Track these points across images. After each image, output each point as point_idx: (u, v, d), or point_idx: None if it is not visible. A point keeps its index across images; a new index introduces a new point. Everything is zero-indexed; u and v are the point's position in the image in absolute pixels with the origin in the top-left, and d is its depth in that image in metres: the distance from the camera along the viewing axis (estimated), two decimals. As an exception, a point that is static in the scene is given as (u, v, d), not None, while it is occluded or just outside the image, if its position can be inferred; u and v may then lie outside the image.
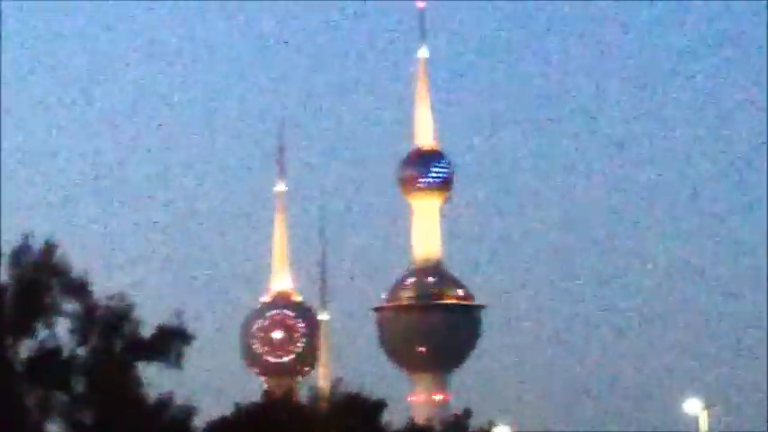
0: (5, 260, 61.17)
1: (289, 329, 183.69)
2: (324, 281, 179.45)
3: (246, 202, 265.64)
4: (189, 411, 52.91)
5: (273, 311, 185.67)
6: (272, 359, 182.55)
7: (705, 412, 68.76)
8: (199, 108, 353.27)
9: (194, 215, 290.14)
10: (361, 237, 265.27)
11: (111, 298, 61.22)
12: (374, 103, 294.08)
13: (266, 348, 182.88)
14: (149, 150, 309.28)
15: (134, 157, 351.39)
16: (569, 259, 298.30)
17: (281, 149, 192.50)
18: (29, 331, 59.43)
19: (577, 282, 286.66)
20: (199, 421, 55.47)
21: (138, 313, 51.96)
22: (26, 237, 60.64)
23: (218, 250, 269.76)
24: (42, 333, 60.51)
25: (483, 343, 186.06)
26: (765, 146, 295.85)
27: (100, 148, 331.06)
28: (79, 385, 51.39)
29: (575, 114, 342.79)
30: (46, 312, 59.67)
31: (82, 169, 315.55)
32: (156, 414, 56.39)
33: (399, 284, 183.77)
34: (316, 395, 79.42)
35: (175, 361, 62.59)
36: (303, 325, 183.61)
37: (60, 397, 55.24)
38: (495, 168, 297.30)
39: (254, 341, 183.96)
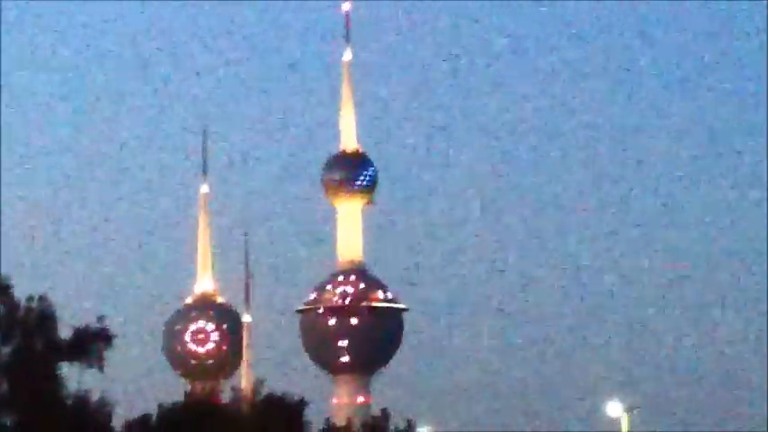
0: None
1: (211, 331, 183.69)
2: (247, 283, 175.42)
3: (169, 204, 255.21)
4: (108, 410, 56.84)
5: (196, 313, 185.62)
6: (194, 361, 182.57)
7: (626, 414, 69.27)
8: (120, 107, 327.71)
9: (116, 215, 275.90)
10: (284, 239, 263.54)
11: (31, 299, 54.19)
12: (299, 105, 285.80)
13: (189, 350, 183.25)
14: (68, 149, 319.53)
15: (53, 153, 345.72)
16: (493, 260, 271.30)
17: (203, 150, 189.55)
18: None
19: (500, 283, 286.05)
20: (120, 420, 60.19)
21: (59, 314, 52.48)
22: None
23: (140, 251, 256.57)
24: None
25: (405, 346, 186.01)
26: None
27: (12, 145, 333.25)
28: (1, 386, 53.99)
29: (503, 112, 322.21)
30: None
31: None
32: (76, 414, 55.91)
33: (323, 287, 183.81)
34: (238, 396, 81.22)
35: (97, 362, 55.37)
36: (226, 327, 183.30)
37: None
38: (419, 171, 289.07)
39: (177, 343, 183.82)
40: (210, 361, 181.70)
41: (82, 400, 59.34)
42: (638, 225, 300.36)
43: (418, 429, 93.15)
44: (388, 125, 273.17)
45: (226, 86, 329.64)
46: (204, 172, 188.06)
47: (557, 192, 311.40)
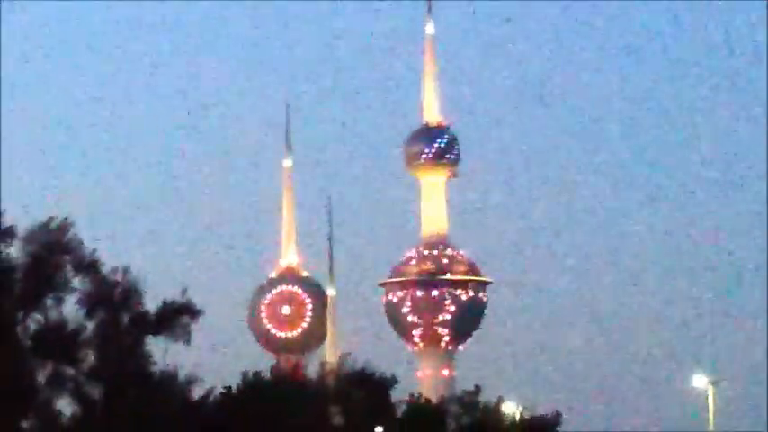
0: (21, 239, 61.33)
1: (296, 304, 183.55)
2: (331, 256, 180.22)
3: (254, 178, 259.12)
4: (193, 383, 59.48)
5: (280, 286, 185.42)
6: (279, 334, 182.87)
7: (712, 387, 72.10)
8: (205, 84, 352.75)
9: (202, 190, 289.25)
10: (368, 213, 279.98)
11: (118, 273, 55.42)
12: (382, 79, 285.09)
13: (273, 323, 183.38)
14: (157, 126, 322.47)
15: (143, 131, 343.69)
16: (577, 236, 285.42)
17: (287, 125, 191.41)
18: (38, 307, 54.22)
19: (585, 258, 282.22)
20: (205, 393, 63.61)
21: (145, 289, 53.98)
22: (48, 219, 61.90)
23: (225, 226, 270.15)
24: (52, 309, 54.51)
25: (489, 319, 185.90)
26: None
27: (108, 124, 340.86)
28: (88, 359, 55.08)
29: (580, 91, 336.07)
30: (56, 288, 54.09)
31: (92, 144, 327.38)
32: (162, 387, 57.82)
33: (407, 259, 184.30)
34: (323, 371, 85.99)
35: (182, 335, 57.14)
36: (310, 300, 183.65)
37: (69, 371, 55.20)
38: (503, 144, 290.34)
39: (262, 316, 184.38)
40: (295, 334, 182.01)
41: (168, 373, 60.41)
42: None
43: (505, 404, 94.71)
44: (471, 98, 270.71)
45: (309, 61, 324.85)
46: (288, 147, 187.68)
47: (643, 161, 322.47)
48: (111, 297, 58.90)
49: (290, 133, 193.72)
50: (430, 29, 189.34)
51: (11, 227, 64.07)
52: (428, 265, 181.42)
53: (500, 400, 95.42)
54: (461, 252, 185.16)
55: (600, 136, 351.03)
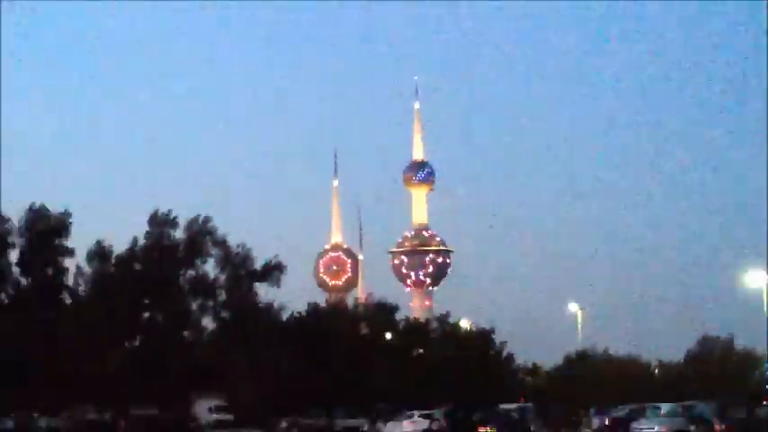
0: (182, 227, 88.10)
1: (340, 264, 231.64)
2: (361, 236, 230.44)
3: (311, 192, 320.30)
4: (282, 310, 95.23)
5: (332, 253, 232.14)
6: (330, 282, 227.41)
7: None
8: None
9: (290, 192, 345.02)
10: (382, 211, 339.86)
11: (239, 247, 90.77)
12: (385, 133, 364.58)
13: (327, 275, 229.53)
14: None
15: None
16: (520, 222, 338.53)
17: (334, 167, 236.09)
18: (192, 266, 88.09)
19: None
20: (289, 317, 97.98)
21: (254, 254, 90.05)
22: (196, 215, 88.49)
23: (306, 219, 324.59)
24: (200, 268, 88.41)
25: (452, 271, 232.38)
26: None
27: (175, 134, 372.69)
28: (221, 296, 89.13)
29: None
30: (202, 255, 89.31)
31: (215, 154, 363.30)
32: (265, 312, 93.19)
33: (404, 238, 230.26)
34: (356, 302, 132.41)
35: (276, 282, 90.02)
36: (349, 261, 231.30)
37: (209, 303, 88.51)
38: (460, 171, 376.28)
39: (321, 271, 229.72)
40: (339, 282, 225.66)
41: (268, 304, 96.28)
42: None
43: (462, 321, 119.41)
44: (444, 143, 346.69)
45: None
46: (335, 171, 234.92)
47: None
48: (235, 260, 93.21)
49: (338, 173, 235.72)
50: (417, 105, 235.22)
51: (175, 217, 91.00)
52: (416, 241, 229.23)
53: (459, 320, 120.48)
54: (435, 233, 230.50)
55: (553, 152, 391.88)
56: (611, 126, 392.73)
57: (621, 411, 67.94)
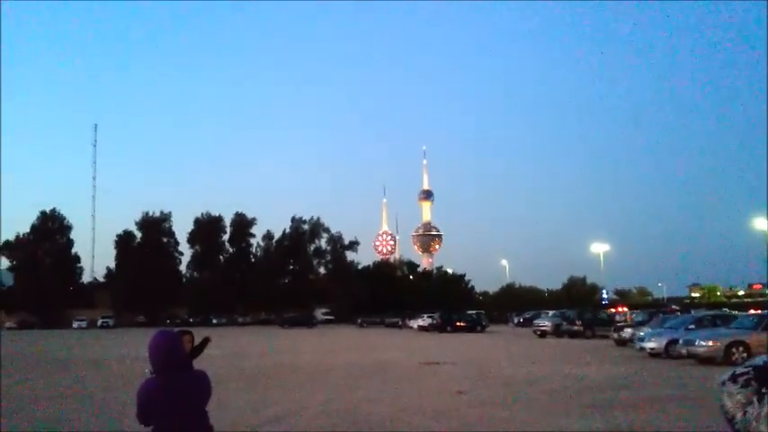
0: (308, 222, 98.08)
1: (387, 241, 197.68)
2: (396, 226, 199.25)
3: (369, 201, 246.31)
4: (358, 264, 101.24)
5: (383, 236, 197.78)
6: (383, 250, 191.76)
7: None
8: None
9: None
10: (406, 216, 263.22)
11: (337, 234, 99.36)
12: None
13: (380, 244, 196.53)
14: None
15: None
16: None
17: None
18: (313, 242, 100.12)
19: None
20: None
21: (344, 235, 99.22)
22: (301, 216, 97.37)
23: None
24: (318, 242, 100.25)
25: (443, 242, 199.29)
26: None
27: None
28: (328, 258, 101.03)
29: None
30: (319, 236, 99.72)
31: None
32: (350, 265, 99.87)
33: (417, 228, 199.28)
34: (396, 262, 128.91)
35: (355, 250, 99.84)
36: (391, 240, 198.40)
37: (322, 261, 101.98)
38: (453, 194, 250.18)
39: (378, 245, 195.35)
40: (387, 251, 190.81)
41: (352, 262, 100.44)
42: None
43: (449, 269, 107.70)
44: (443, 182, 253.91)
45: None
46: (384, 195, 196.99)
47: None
48: (334, 238, 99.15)
49: (386, 194, 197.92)
50: (425, 161, 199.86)
51: (302, 217, 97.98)
52: (423, 230, 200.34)
53: (447, 269, 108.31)
54: (435, 226, 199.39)
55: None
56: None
57: (528, 314, 68.68)
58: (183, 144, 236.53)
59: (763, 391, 0.71)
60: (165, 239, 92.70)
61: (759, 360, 0.78)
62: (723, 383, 0.79)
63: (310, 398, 13.66)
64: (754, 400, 0.71)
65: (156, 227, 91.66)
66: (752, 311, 30.12)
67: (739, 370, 0.79)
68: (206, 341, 3.98)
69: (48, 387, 16.48)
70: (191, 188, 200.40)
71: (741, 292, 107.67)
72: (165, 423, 3.74)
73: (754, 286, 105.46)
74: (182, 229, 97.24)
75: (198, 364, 4.61)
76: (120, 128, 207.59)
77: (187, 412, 3.79)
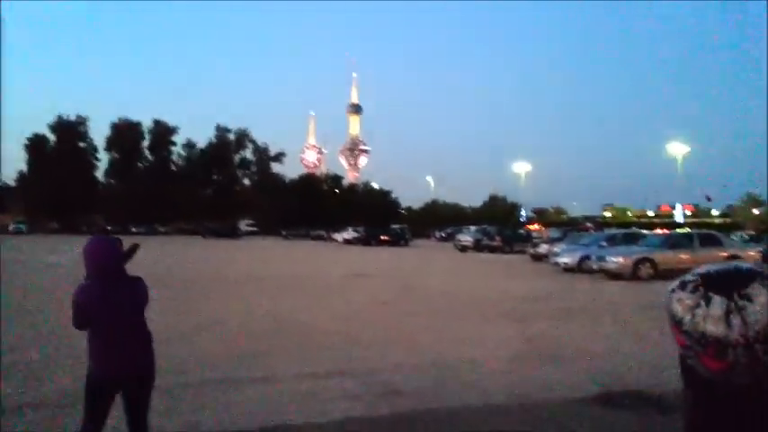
0: (234, 132, 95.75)
1: (314, 154, 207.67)
2: (323, 140, 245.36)
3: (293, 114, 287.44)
4: (283, 177, 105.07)
5: (309, 149, 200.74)
6: (309, 163, 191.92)
7: None
8: None
9: None
10: (334, 128, 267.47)
11: (262, 143, 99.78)
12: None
13: (307, 160, 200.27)
14: None
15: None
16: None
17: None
18: (239, 153, 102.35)
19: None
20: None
21: (270, 147, 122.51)
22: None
23: None
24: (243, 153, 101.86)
25: (370, 152, 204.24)
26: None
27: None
28: (253, 169, 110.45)
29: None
30: (244, 147, 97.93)
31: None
32: (275, 177, 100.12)
33: (345, 142, 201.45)
34: (322, 175, 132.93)
35: (281, 162, 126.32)
36: (318, 153, 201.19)
37: (247, 172, 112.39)
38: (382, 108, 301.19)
39: (304, 158, 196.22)
40: (313, 164, 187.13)
41: (277, 174, 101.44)
42: None
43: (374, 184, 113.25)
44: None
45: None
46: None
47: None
48: (260, 150, 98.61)
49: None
50: (354, 74, 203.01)
51: (227, 127, 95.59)
52: (350, 145, 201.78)
53: (368, 181, 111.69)
54: (363, 140, 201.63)
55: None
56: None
57: (450, 230, 70.82)
58: (102, 46, 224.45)
59: (710, 294, 0.80)
60: (81, 144, 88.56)
61: (704, 269, 0.87)
62: (673, 291, 0.87)
63: (236, 307, 13.81)
64: (702, 303, 0.81)
65: (71, 131, 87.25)
66: (659, 231, 32.06)
67: (687, 278, 0.86)
68: (135, 247, 3.96)
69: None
70: (108, 93, 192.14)
71: (650, 213, 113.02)
72: (101, 329, 3.77)
73: (663, 208, 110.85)
74: (99, 135, 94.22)
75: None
76: (33, 26, 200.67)
77: (124, 318, 3.84)
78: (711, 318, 0.80)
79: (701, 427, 0.85)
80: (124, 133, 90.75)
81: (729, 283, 0.81)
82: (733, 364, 0.79)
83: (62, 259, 26.27)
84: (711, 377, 0.82)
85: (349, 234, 63.43)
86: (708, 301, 0.81)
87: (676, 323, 0.85)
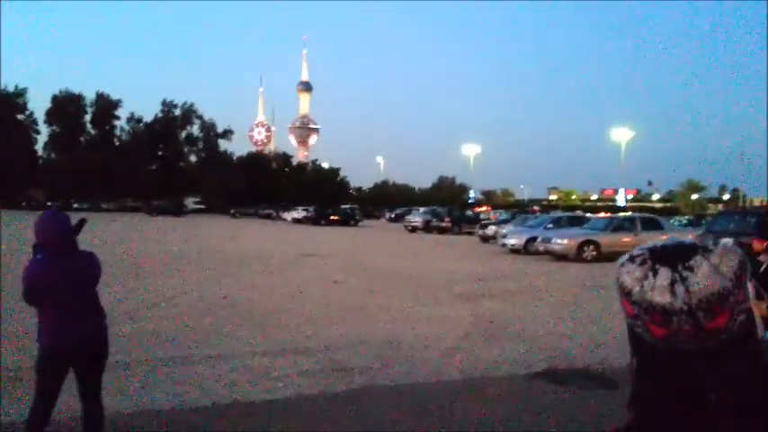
0: (180, 107, 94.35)
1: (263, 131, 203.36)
2: (273, 117, 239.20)
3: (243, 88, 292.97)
4: (231, 154, 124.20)
5: (258, 126, 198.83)
6: (257, 140, 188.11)
7: None
8: None
9: None
10: (285, 105, 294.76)
11: (209, 119, 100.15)
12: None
13: (256, 137, 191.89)
14: None
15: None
16: None
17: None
18: (185, 129, 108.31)
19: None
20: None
21: (217, 124, 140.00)
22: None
23: None
24: (190, 129, 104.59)
25: (320, 133, 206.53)
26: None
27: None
28: (200, 146, 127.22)
29: None
30: (191, 122, 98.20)
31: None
32: (223, 154, 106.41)
33: (296, 119, 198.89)
34: (271, 153, 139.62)
35: (229, 138, 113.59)
36: (267, 131, 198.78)
37: (194, 148, 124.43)
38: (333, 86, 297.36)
39: (253, 135, 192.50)
40: (262, 140, 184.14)
41: (225, 151, 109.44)
42: None
43: (325, 163, 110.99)
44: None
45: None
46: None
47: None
48: (207, 126, 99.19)
49: (263, 83, 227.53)
50: (305, 51, 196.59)
51: (174, 101, 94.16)
52: (300, 123, 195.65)
53: (322, 162, 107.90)
54: (313, 119, 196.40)
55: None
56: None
57: (400, 210, 71.12)
58: (44, 14, 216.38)
59: (656, 267, 0.85)
60: (19, 116, 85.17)
61: (651, 244, 0.92)
62: (622, 264, 0.91)
63: (185, 285, 13.69)
64: (649, 274, 0.86)
65: (9, 102, 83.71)
66: (602, 214, 32.99)
67: (635, 252, 0.91)
68: (82, 222, 3.91)
69: None
70: (49, 65, 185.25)
71: (594, 197, 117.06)
72: (54, 303, 3.71)
73: (606, 192, 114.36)
74: (40, 108, 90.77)
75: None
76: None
77: (77, 292, 3.78)
78: (658, 288, 0.85)
79: (646, 394, 0.89)
80: (65, 106, 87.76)
81: (674, 256, 0.86)
82: (677, 331, 0.84)
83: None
84: (657, 343, 0.87)
85: (298, 213, 62.91)
86: (655, 273, 0.86)
87: (626, 294, 0.90)
